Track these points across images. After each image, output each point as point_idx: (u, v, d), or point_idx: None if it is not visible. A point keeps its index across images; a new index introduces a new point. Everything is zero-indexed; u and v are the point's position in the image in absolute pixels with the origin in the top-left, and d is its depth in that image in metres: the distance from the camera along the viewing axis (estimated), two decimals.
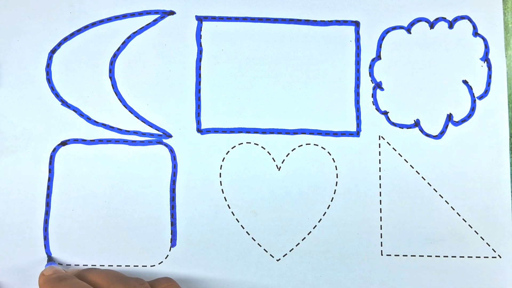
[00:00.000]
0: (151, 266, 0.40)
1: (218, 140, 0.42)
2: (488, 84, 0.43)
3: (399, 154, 0.42)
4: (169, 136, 0.42)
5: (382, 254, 0.41)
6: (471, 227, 0.42)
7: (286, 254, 0.41)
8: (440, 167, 0.42)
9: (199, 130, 0.42)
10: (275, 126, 0.42)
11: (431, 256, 0.41)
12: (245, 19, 0.43)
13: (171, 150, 0.42)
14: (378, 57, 0.43)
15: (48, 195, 0.41)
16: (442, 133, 0.43)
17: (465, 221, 0.42)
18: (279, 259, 0.41)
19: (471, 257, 0.41)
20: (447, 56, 0.43)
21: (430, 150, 0.42)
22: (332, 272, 0.41)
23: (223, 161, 0.42)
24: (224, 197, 0.41)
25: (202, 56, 0.43)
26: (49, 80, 0.42)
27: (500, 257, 0.41)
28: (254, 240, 0.41)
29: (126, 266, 0.40)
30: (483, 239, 0.42)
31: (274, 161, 0.42)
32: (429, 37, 0.43)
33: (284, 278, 0.41)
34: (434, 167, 0.42)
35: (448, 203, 0.42)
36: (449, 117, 0.43)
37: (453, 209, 0.42)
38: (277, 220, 0.41)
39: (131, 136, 0.42)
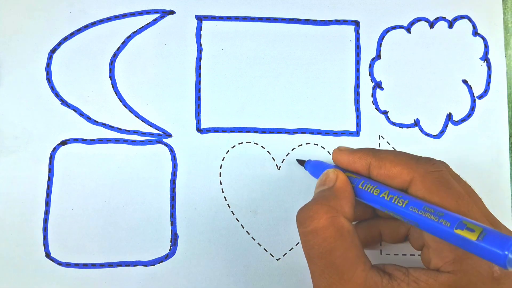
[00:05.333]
0: (151, 266, 0.40)
1: (218, 139, 0.42)
2: (488, 83, 0.43)
3: None
4: (169, 135, 0.42)
5: (381, 254, 0.41)
6: None
7: (286, 253, 0.41)
8: None
9: (199, 129, 0.42)
10: (275, 126, 0.42)
11: None
12: (245, 19, 0.43)
13: (171, 150, 0.42)
14: (378, 56, 0.43)
15: (48, 195, 0.41)
16: (442, 132, 0.42)
17: None
18: (279, 258, 0.41)
19: None
20: (447, 56, 0.43)
21: (430, 150, 0.42)
22: None
23: (223, 160, 0.42)
24: (224, 197, 0.41)
25: (202, 55, 0.43)
26: (49, 80, 0.42)
27: None
28: (254, 240, 0.41)
29: (126, 266, 0.40)
30: None
31: (274, 160, 0.42)
32: (429, 37, 0.43)
33: (284, 278, 0.41)
34: None
35: None
36: (449, 116, 0.43)
37: None
38: (277, 220, 0.41)
39: (131, 135, 0.42)
